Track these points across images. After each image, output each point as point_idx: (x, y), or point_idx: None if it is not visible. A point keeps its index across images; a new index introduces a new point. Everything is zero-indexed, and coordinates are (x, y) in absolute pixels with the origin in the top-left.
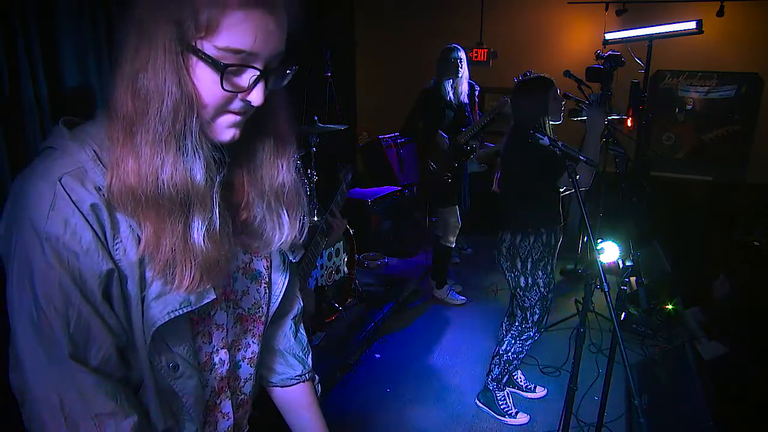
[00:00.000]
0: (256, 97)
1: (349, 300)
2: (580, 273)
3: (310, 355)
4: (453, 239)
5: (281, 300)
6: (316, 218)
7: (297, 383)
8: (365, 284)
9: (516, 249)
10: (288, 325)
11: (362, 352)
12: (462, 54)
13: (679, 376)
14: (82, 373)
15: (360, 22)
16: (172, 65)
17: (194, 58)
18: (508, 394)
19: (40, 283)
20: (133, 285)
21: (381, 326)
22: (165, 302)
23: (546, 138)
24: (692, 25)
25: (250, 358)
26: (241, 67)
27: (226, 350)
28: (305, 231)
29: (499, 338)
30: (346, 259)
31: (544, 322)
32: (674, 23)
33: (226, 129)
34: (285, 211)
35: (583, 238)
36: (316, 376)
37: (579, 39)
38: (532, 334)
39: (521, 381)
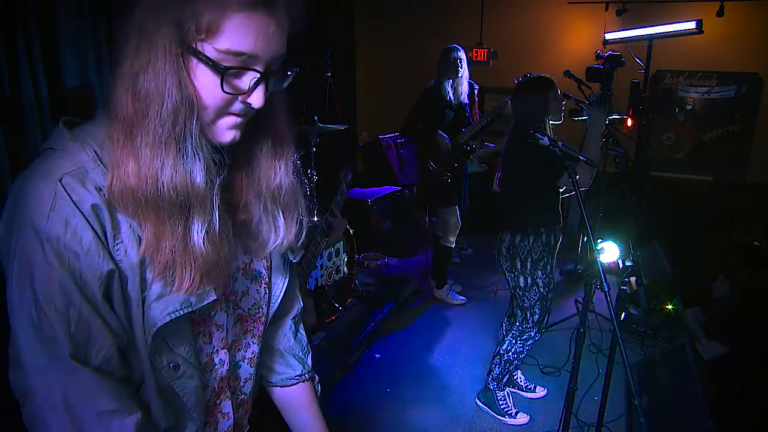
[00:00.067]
0: (257, 99)
1: (349, 300)
2: (580, 273)
3: (310, 355)
4: (453, 239)
5: (281, 300)
6: (316, 218)
7: (297, 383)
8: (365, 284)
9: (516, 249)
10: (288, 325)
11: (362, 352)
12: (462, 54)
13: (679, 376)
14: (84, 373)
15: (360, 22)
16: (172, 67)
17: (195, 60)
18: (508, 394)
19: (41, 283)
20: (134, 286)
21: (381, 326)
22: (166, 303)
23: (546, 138)
24: (692, 25)
25: (250, 358)
26: (242, 70)
27: (226, 350)
28: (303, 234)
29: (499, 338)
30: (346, 259)
31: (544, 322)
32: (674, 23)
33: (226, 131)
34: (281, 213)
35: (583, 238)
36: (316, 376)
37: (579, 39)
38: (532, 334)
39: (521, 381)
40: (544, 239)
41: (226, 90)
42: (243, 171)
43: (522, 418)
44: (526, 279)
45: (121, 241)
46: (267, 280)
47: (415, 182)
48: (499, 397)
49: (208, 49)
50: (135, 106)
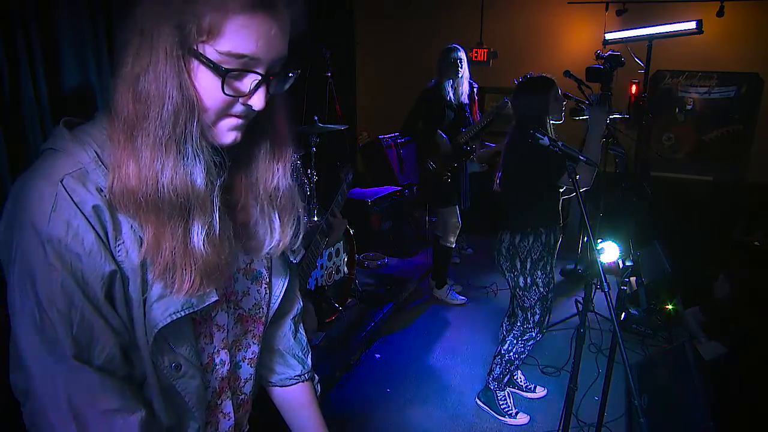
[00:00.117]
0: (258, 101)
1: (349, 300)
2: (580, 273)
3: (310, 355)
4: (453, 239)
5: (281, 300)
6: (316, 218)
7: (296, 383)
8: (365, 284)
9: (515, 249)
10: (287, 325)
11: (362, 352)
12: (462, 54)
13: (679, 376)
14: (87, 373)
15: (360, 22)
16: (173, 69)
17: (196, 62)
18: (508, 394)
19: (43, 285)
20: (135, 287)
21: (381, 326)
22: (167, 304)
23: (546, 138)
24: (692, 25)
25: (251, 358)
26: (243, 72)
27: (226, 351)
28: (300, 237)
29: (499, 338)
30: (346, 259)
31: (545, 323)
32: (674, 23)
33: (227, 132)
34: (277, 215)
35: (583, 238)
36: (316, 376)
37: (579, 39)
38: (534, 334)
39: (521, 381)
40: (544, 239)
41: (226, 92)
42: (243, 172)
43: (522, 418)
44: (525, 279)
45: (123, 242)
46: (267, 280)
47: (415, 182)
48: (499, 397)
49: (209, 51)
50: (135, 108)
